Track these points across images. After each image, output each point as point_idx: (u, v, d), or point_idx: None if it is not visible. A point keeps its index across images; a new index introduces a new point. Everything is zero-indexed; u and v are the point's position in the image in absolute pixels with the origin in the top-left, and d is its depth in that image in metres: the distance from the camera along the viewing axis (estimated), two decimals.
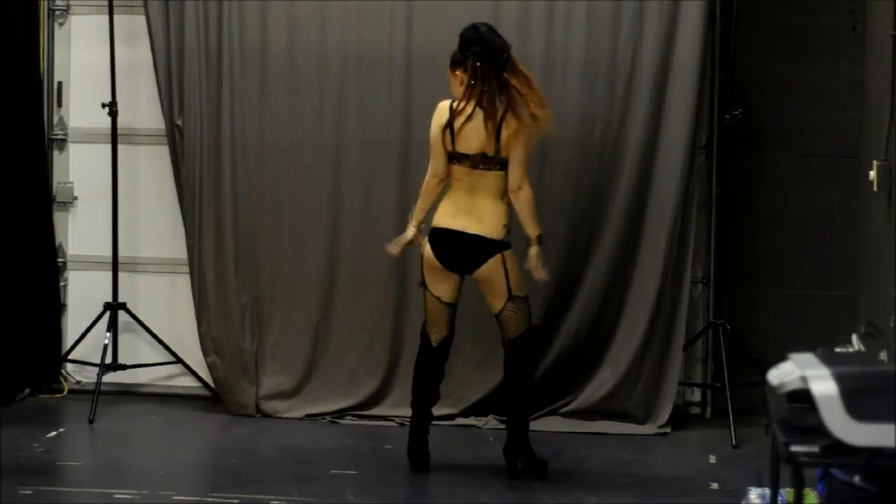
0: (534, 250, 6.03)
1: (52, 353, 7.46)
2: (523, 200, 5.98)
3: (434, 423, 6.27)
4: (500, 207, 5.98)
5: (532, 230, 6.03)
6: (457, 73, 5.99)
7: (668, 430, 6.88)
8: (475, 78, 5.92)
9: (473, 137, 5.94)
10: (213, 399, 7.31)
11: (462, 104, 5.94)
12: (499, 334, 6.16)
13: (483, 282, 6.05)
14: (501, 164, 5.96)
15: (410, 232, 6.16)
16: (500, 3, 6.94)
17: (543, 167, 6.88)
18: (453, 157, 6.00)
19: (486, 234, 5.96)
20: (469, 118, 5.93)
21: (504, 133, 5.91)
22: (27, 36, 7.41)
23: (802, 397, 3.93)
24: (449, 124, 5.97)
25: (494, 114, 5.90)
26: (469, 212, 5.98)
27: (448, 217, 6.01)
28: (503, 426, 6.54)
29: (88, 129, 7.52)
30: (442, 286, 6.06)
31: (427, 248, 6.05)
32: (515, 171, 5.95)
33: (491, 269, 5.99)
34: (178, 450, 6.68)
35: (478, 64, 5.92)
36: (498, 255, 5.98)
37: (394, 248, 6.23)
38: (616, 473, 6.22)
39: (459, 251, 6.00)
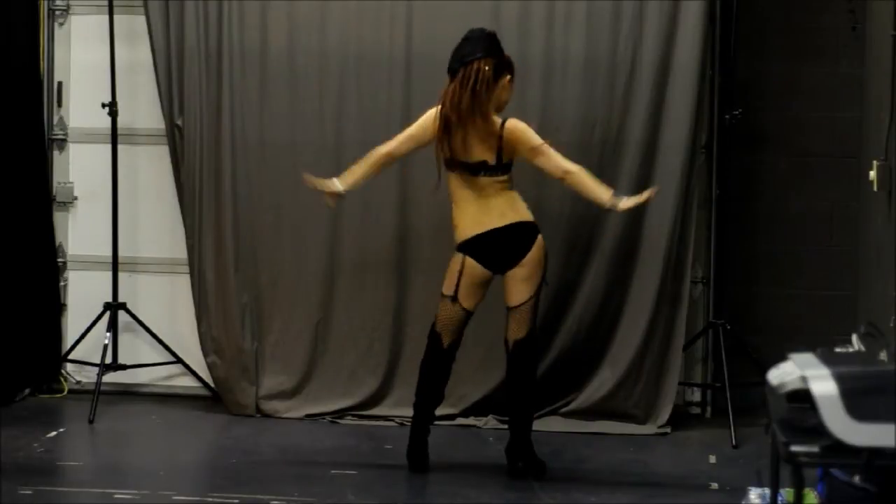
0: (625, 202, 5.92)
1: (52, 353, 7.46)
2: (577, 179, 5.93)
3: (434, 423, 6.26)
4: (514, 196, 5.98)
5: (604, 193, 5.91)
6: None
7: (668, 430, 6.88)
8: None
9: (471, 145, 5.93)
10: (213, 399, 7.31)
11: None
12: (499, 334, 6.16)
13: (525, 269, 5.96)
14: (503, 169, 5.96)
15: (339, 186, 6.07)
16: (500, 3, 6.94)
17: None
18: (451, 165, 5.99)
19: (523, 219, 5.96)
20: (458, 127, 5.93)
21: (505, 143, 5.91)
22: (27, 36, 7.40)
23: (802, 397, 3.92)
24: (445, 132, 5.96)
25: (484, 123, 5.90)
26: (488, 211, 5.95)
27: (473, 225, 5.96)
28: (503, 426, 6.54)
29: (88, 129, 7.52)
30: (475, 298, 6.04)
31: (468, 261, 5.97)
32: (549, 162, 5.93)
33: (537, 252, 5.96)
34: (178, 450, 6.68)
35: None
36: (540, 237, 5.98)
37: (317, 182, 6.10)
38: (616, 473, 6.22)
39: (505, 247, 5.96)
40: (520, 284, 5.99)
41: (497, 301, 6.13)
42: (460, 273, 5.99)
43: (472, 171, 5.95)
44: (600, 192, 5.94)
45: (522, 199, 6.03)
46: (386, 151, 6.07)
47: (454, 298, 6.02)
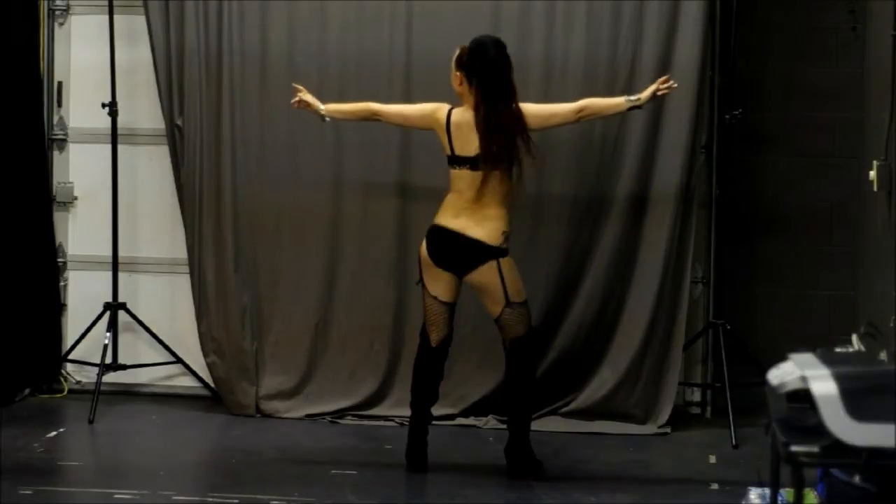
0: (644, 96, 6.04)
1: (52, 353, 7.46)
2: (591, 110, 6.03)
3: (434, 423, 6.26)
4: (501, 213, 5.97)
5: (618, 102, 6.05)
6: (458, 73, 6.00)
7: (668, 430, 6.88)
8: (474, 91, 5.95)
9: (472, 139, 5.94)
10: (213, 399, 7.31)
11: (460, 112, 5.97)
12: (498, 335, 6.15)
13: (477, 287, 6.04)
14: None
15: (321, 108, 6.21)
16: (500, 3, 6.94)
17: (543, 167, 6.87)
18: (453, 161, 6.00)
19: (483, 238, 5.94)
20: (464, 123, 5.95)
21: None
22: (27, 36, 7.41)
23: (802, 397, 3.92)
24: (447, 129, 5.97)
25: (491, 112, 5.92)
26: (470, 215, 5.95)
27: (448, 217, 6.00)
28: (503, 426, 6.55)
29: (88, 129, 7.52)
30: (438, 285, 6.05)
31: (423, 246, 6.04)
32: (562, 114, 6.01)
33: (483, 274, 5.97)
34: (178, 450, 6.68)
35: (477, 80, 5.94)
36: (493, 262, 5.95)
37: (306, 95, 6.25)
38: (616, 473, 6.22)
39: (453, 251, 5.99)
40: (484, 301, 6.05)
41: None
42: (419, 255, 6.06)
43: (473, 165, 5.94)
44: (615, 105, 6.08)
45: (508, 224, 6.00)
46: (376, 109, 6.18)
47: (420, 281, 6.05)
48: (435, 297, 6.06)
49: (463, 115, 5.97)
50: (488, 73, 5.93)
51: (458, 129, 5.95)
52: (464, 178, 5.97)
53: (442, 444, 6.35)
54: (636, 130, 6.87)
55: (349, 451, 6.50)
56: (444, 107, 6.04)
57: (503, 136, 5.90)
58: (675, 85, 6.13)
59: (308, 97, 6.25)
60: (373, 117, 6.21)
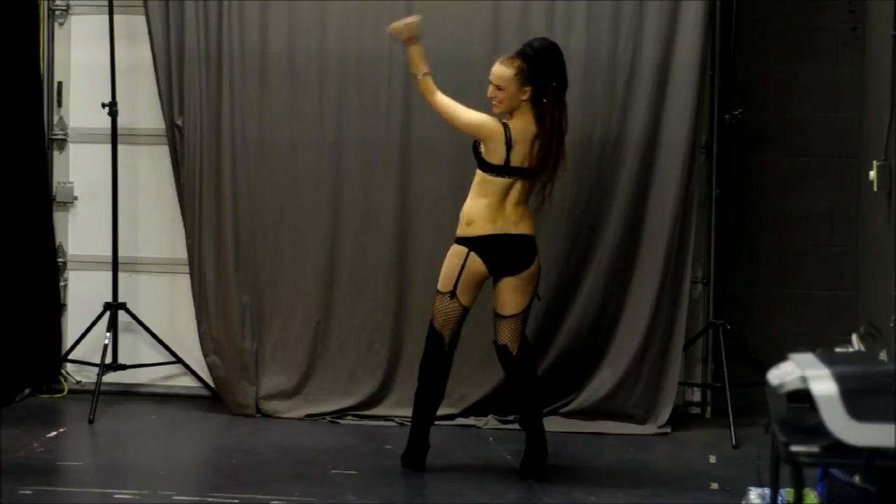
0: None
1: (52, 353, 7.46)
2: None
3: (434, 423, 6.25)
4: (527, 209, 5.98)
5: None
6: (527, 87, 5.89)
7: (668, 430, 6.89)
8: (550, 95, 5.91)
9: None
10: (213, 399, 7.31)
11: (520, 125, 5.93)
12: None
13: (520, 280, 5.97)
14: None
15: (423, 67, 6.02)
16: (500, 3, 6.94)
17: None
18: (506, 171, 5.95)
19: (530, 233, 5.97)
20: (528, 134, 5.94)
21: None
22: (27, 36, 7.41)
23: (802, 397, 3.93)
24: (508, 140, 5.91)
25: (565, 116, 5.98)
26: (504, 216, 5.93)
27: (487, 224, 5.92)
28: (503, 426, 6.54)
29: (88, 129, 7.52)
30: (471, 295, 6.01)
31: (471, 257, 5.91)
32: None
33: (535, 268, 5.99)
34: (178, 450, 6.68)
35: (556, 84, 5.90)
36: (538, 256, 6.01)
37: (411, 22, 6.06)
38: (616, 473, 6.22)
39: (510, 254, 5.96)
40: (513, 295, 5.99)
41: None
42: (462, 268, 5.98)
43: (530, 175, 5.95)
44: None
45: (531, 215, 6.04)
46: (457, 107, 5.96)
47: (453, 294, 6.01)
48: (463, 305, 6.00)
49: (526, 127, 5.90)
50: (565, 74, 5.93)
51: (522, 140, 5.90)
52: (503, 185, 5.91)
53: (442, 444, 6.35)
54: (636, 130, 6.87)
55: (349, 451, 6.50)
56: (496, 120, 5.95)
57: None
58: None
59: (410, 27, 6.05)
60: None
